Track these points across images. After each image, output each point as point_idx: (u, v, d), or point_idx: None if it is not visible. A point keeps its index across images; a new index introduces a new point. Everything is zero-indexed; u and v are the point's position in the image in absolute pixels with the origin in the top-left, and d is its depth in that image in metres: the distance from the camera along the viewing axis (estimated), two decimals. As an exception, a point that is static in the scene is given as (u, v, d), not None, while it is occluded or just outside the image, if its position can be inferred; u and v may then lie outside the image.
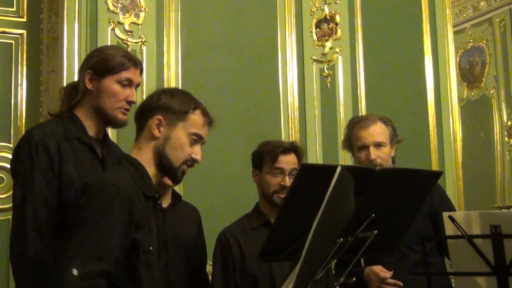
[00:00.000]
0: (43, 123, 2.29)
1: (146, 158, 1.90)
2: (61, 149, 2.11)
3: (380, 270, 2.45)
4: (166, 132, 1.91)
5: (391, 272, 2.43)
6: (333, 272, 2.62)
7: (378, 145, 2.66)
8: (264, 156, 2.62)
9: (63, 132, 2.15)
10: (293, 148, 2.64)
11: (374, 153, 2.64)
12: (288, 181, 2.56)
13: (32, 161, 2.08)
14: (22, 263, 2.03)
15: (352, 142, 2.75)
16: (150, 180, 1.89)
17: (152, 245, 1.82)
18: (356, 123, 2.76)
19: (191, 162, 1.95)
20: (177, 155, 1.91)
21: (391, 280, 2.42)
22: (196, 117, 1.95)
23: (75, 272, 1.60)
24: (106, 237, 1.67)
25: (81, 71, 2.27)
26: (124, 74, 2.21)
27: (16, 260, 2.05)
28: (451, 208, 2.71)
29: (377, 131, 2.68)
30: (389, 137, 2.71)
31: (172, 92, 1.99)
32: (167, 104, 1.92)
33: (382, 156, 2.65)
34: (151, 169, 1.90)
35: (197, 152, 1.95)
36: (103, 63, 2.21)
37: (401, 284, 2.42)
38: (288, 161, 2.59)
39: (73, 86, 2.28)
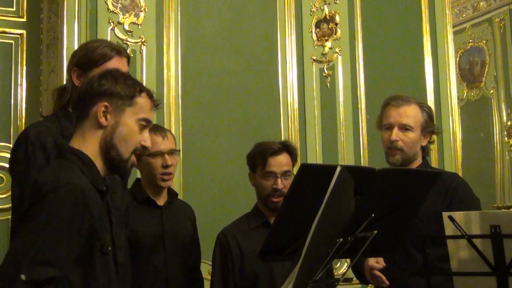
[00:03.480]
0: (39, 121, 2.28)
1: (92, 150, 1.73)
2: (58, 146, 2.09)
3: (373, 260, 2.37)
4: (113, 120, 1.74)
5: (383, 264, 2.35)
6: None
7: (403, 127, 2.50)
8: (256, 160, 2.61)
9: (59, 129, 2.14)
10: (284, 148, 2.60)
11: (396, 134, 2.49)
12: (280, 184, 2.53)
13: (29, 160, 2.07)
14: None
15: (381, 121, 2.59)
16: (99, 173, 1.74)
17: (110, 246, 1.73)
18: (388, 102, 2.59)
19: (140, 150, 1.79)
20: (127, 145, 1.75)
21: (377, 273, 2.34)
22: (143, 101, 1.78)
23: (23, 277, 1.48)
24: (58, 241, 1.55)
25: (68, 70, 2.26)
26: (108, 65, 2.15)
27: None
28: (470, 208, 2.38)
29: (408, 113, 2.51)
30: (421, 124, 2.53)
31: (114, 75, 1.79)
32: (112, 89, 1.74)
33: (405, 140, 2.49)
34: (97, 162, 1.74)
35: (146, 138, 1.78)
36: (86, 57, 2.19)
37: (386, 282, 2.34)
38: (279, 163, 2.56)
39: (63, 88, 2.28)
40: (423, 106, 2.59)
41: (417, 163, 2.58)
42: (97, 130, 1.74)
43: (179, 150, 2.71)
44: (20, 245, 1.56)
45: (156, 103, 1.84)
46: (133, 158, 1.79)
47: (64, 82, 3.14)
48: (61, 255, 1.56)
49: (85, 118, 1.76)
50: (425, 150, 2.62)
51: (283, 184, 2.54)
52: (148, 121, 1.79)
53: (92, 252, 1.65)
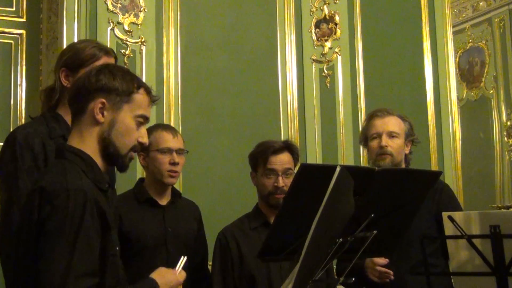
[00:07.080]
0: (26, 123, 2.26)
1: (90, 148, 1.72)
2: (46, 147, 2.08)
3: (377, 258, 2.46)
4: (110, 117, 1.72)
5: (386, 260, 2.44)
6: (335, 268, 2.62)
7: (391, 135, 2.67)
8: (257, 158, 2.61)
9: (47, 131, 2.13)
10: (286, 147, 2.61)
11: (386, 141, 2.65)
12: (281, 182, 2.53)
13: (16, 162, 2.05)
14: (9, 265, 1.98)
15: (367, 133, 2.75)
16: (100, 171, 1.73)
17: (117, 245, 1.73)
18: (373, 114, 2.78)
19: (138, 147, 1.79)
20: (125, 142, 1.73)
21: (382, 268, 2.44)
22: (140, 97, 1.76)
23: None
24: (89, 250, 1.57)
25: (56, 70, 2.24)
26: (97, 64, 2.10)
27: (3, 262, 2.03)
28: (457, 208, 2.67)
29: (392, 122, 2.70)
30: (404, 132, 2.72)
31: (111, 70, 1.76)
32: (109, 85, 1.72)
33: (394, 146, 2.66)
34: (97, 159, 1.73)
35: (143, 135, 1.77)
36: (74, 57, 2.18)
37: (391, 273, 2.43)
38: (280, 161, 2.57)
39: (51, 88, 2.26)
40: (403, 117, 2.78)
41: None
42: (94, 126, 1.72)
43: (188, 151, 2.71)
44: (57, 262, 1.54)
45: (154, 99, 1.82)
46: (131, 153, 1.77)
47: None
48: (95, 262, 1.59)
49: (82, 114, 1.73)
50: (407, 160, 2.77)
51: (284, 182, 2.54)
52: (145, 117, 1.78)
53: (105, 254, 1.64)
